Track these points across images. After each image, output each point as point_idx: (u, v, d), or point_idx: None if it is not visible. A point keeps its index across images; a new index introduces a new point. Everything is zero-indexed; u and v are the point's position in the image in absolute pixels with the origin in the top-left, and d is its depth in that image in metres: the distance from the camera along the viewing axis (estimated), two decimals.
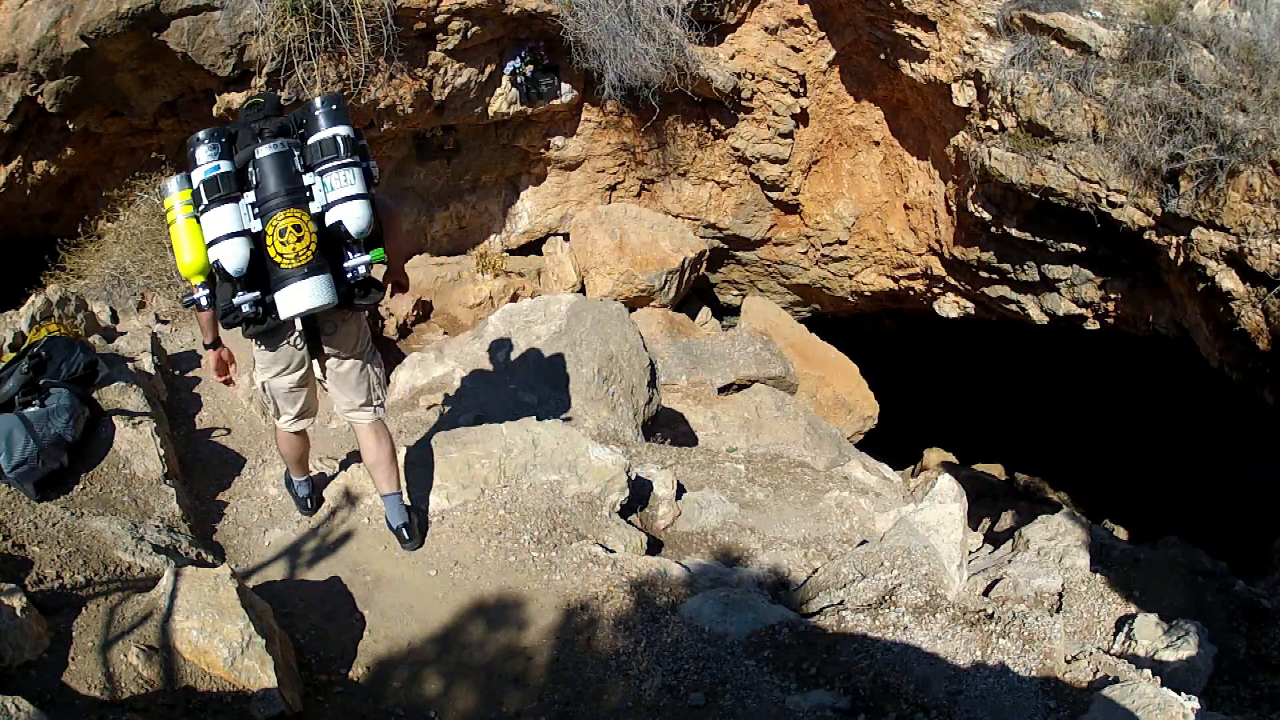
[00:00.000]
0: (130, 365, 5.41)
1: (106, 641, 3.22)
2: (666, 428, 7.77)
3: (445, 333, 9.59)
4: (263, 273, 3.23)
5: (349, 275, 3.32)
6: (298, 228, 3.15)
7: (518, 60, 9.16)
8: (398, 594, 4.12)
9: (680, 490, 5.70)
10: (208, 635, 3.22)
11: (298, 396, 3.74)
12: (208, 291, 3.31)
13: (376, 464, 3.94)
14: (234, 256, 3.14)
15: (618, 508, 4.92)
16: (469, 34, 8.51)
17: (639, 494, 5.32)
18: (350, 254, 3.29)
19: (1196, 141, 7.10)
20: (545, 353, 6.69)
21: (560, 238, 11.00)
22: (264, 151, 3.22)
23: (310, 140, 3.27)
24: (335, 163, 3.20)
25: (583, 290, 10.49)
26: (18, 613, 3.10)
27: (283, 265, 3.17)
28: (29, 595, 3.26)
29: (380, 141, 9.48)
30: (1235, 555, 7.52)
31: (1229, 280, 7.20)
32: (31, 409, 4.21)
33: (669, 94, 9.33)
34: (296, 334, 3.47)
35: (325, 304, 3.24)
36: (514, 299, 9.86)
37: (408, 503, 4.18)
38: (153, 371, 5.58)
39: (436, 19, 8.26)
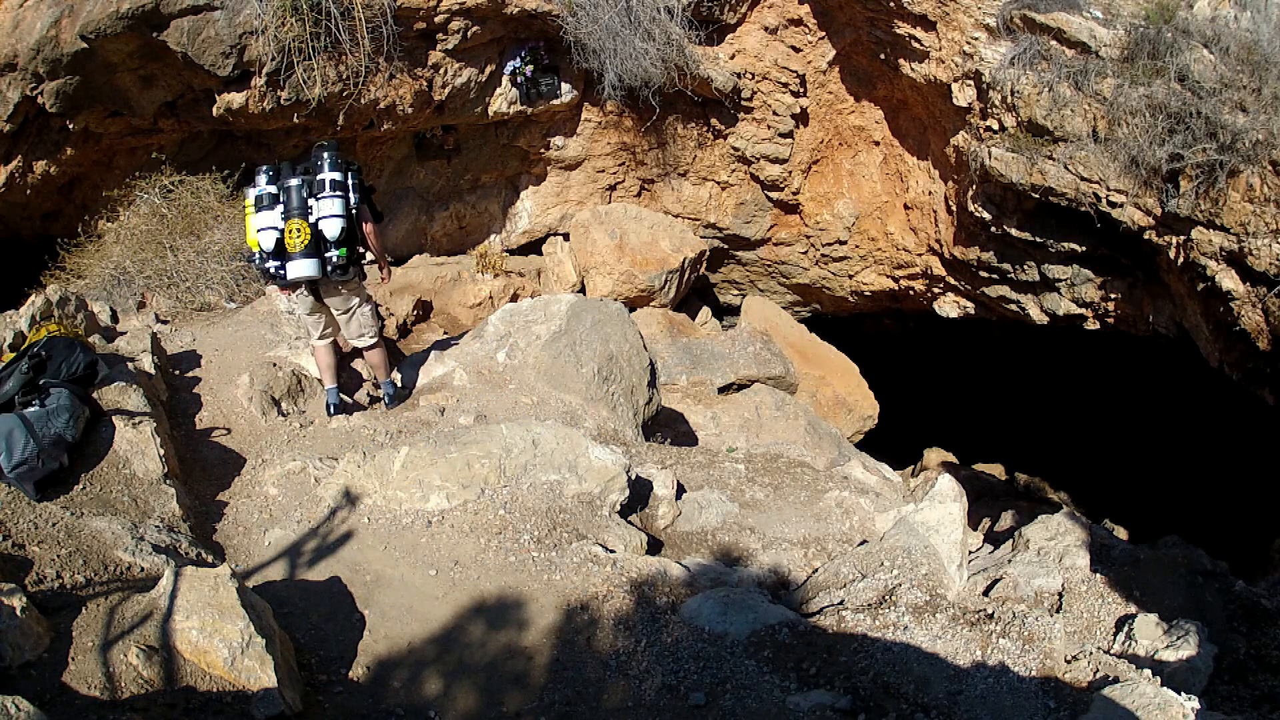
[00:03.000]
0: (130, 365, 5.41)
1: (106, 641, 3.22)
2: (666, 428, 7.76)
3: (445, 332, 9.58)
4: (283, 251, 5.51)
5: (328, 260, 5.55)
6: (299, 229, 5.46)
7: (518, 60, 9.16)
8: (398, 594, 4.13)
9: (680, 490, 5.70)
10: (208, 635, 3.23)
11: (317, 323, 5.90)
12: (255, 256, 5.65)
13: (375, 364, 6.31)
14: (267, 240, 5.50)
15: (618, 508, 4.92)
16: (469, 34, 8.51)
17: (639, 494, 5.32)
18: (328, 249, 5.53)
19: (1196, 141, 7.10)
20: (545, 353, 6.69)
21: (560, 238, 10.99)
22: (291, 183, 5.52)
23: (315, 177, 5.53)
24: (324, 195, 5.48)
25: (583, 290, 10.48)
26: (18, 613, 3.10)
27: (290, 249, 5.48)
28: (29, 595, 3.26)
29: (380, 141, 9.49)
30: (1235, 555, 7.52)
31: (1229, 280, 7.20)
32: (31, 409, 4.21)
33: (669, 94, 9.33)
34: (302, 288, 5.71)
35: (311, 276, 5.54)
36: (514, 299, 9.86)
37: (397, 384, 6.45)
38: (153, 371, 5.58)
39: (436, 19, 8.26)
